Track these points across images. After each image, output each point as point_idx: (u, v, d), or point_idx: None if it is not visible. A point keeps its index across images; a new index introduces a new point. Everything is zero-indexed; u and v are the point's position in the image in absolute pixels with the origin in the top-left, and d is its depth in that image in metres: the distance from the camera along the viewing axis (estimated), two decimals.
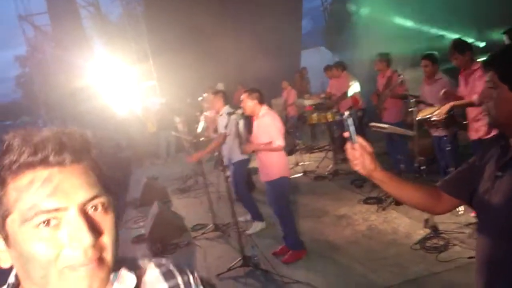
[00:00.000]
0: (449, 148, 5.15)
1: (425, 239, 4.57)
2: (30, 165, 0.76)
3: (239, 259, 4.73)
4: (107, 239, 0.80)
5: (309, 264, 4.69)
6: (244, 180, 6.17)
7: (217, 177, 8.66)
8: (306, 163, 8.52)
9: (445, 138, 5.22)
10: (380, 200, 5.87)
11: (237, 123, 5.03)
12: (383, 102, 6.59)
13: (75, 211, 0.76)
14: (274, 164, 4.76)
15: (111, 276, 0.84)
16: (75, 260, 0.75)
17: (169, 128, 11.68)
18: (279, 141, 4.66)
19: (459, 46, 4.91)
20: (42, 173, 0.76)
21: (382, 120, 6.43)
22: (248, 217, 6.09)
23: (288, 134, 7.81)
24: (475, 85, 4.61)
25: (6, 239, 0.78)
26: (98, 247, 0.78)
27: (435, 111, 5.02)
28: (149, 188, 8.15)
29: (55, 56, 18.63)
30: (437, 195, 1.71)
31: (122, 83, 15.54)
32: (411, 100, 5.09)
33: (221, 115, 5.82)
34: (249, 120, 5.18)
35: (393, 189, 1.67)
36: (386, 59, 6.63)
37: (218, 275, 4.70)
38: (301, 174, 8.15)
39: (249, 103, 4.84)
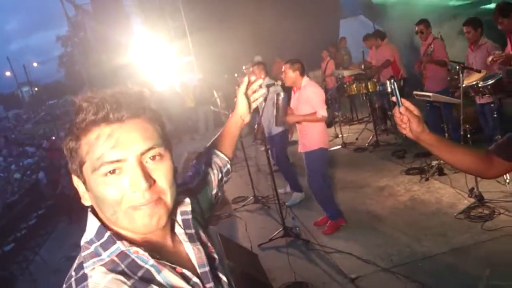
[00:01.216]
0: (495, 115, 4.97)
1: (469, 208, 4.47)
2: (95, 123, 0.91)
3: (280, 229, 4.79)
4: (163, 184, 0.95)
5: (350, 234, 4.69)
6: (284, 152, 6.20)
7: (256, 150, 8.75)
8: (345, 135, 8.42)
9: (492, 105, 5.04)
10: (423, 170, 5.76)
11: (277, 95, 5.01)
12: (424, 71, 6.39)
13: (133, 161, 0.91)
14: (315, 135, 4.73)
15: None
16: (135, 201, 0.91)
17: (208, 103, 11.76)
18: (323, 111, 4.61)
19: (504, 10, 4.75)
20: (105, 129, 0.91)
21: (424, 89, 6.26)
22: (288, 188, 6.13)
23: (327, 106, 7.72)
24: None
25: (84, 183, 0.96)
26: (155, 191, 0.93)
27: (481, 77, 4.84)
28: (190, 162, 8.27)
29: (96, 34, 19.00)
30: (489, 159, 1.64)
31: (161, 60, 15.71)
32: (456, 67, 4.92)
33: (260, 87, 5.79)
34: (289, 92, 5.14)
35: (443, 153, 1.62)
36: (426, 25, 6.39)
37: (259, 245, 4.78)
38: (341, 146, 8.07)
39: (290, 74, 4.79)
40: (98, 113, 0.90)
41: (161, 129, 0.99)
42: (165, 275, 0.95)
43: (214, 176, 1.51)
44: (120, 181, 0.91)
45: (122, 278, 0.91)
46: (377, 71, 7.97)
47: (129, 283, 0.91)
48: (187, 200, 1.11)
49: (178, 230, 1.07)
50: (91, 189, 0.94)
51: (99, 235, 0.96)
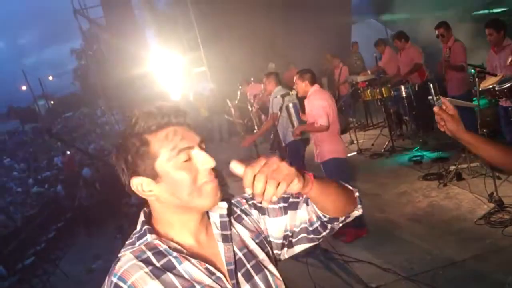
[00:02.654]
0: None
1: (489, 213, 4.41)
2: (161, 126, 1.13)
3: None
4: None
5: (369, 242, 4.66)
6: (300, 161, 6.18)
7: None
8: (360, 141, 8.39)
9: (509, 108, 4.98)
10: (441, 176, 5.70)
11: (289, 105, 5.03)
12: (445, 74, 6.33)
13: (198, 148, 1.15)
14: (324, 144, 4.71)
15: None
16: (206, 177, 1.13)
17: (222, 112, 11.81)
18: (321, 120, 4.56)
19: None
20: (170, 129, 1.13)
21: (446, 93, 6.19)
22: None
23: (341, 112, 7.68)
24: None
25: (155, 178, 1.12)
26: (213, 169, 1.15)
27: (498, 80, 4.78)
28: None
29: (110, 47, 19.24)
30: None
31: (175, 70, 15.83)
32: (472, 71, 4.88)
33: (275, 97, 5.83)
34: (301, 102, 5.15)
35: (483, 151, 1.62)
36: (446, 27, 6.30)
37: None
38: (356, 152, 8.03)
39: (300, 84, 4.82)
40: (164, 118, 1.13)
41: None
42: (186, 266, 1.11)
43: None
44: (192, 165, 1.13)
45: (141, 264, 1.10)
46: (407, 75, 7.59)
47: (146, 269, 1.09)
48: (224, 203, 1.24)
49: (215, 230, 1.23)
50: (168, 177, 1.12)
51: (140, 228, 1.16)
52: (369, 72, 7.72)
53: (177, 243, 1.15)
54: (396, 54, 8.17)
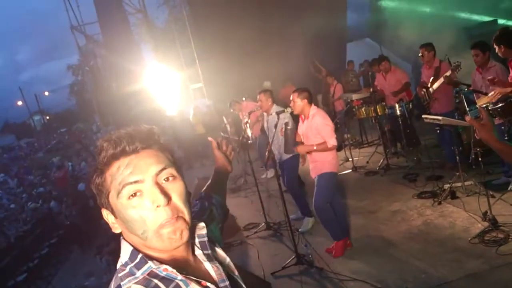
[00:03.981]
0: (506, 138, 4.95)
1: (483, 232, 4.41)
2: (114, 157, 1.07)
3: (292, 257, 4.76)
4: (178, 201, 1.08)
5: (364, 260, 4.64)
6: (296, 176, 6.21)
7: (266, 176, 8.76)
8: (355, 158, 8.42)
9: (502, 127, 5.03)
10: (435, 194, 5.72)
11: (285, 125, 5.05)
12: (432, 93, 6.40)
13: (150, 181, 1.06)
14: (326, 161, 4.78)
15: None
16: (160, 218, 1.04)
17: (217, 129, 11.83)
18: (332, 141, 4.67)
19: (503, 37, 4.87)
20: (124, 160, 1.07)
21: (431, 111, 6.28)
22: (299, 213, 6.12)
23: (336, 129, 7.72)
24: None
25: (112, 212, 1.09)
26: (173, 207, 1.06)
27: (490, 99, 4.84)
28: (201, 188, 8.26)
29: (107, 63, 19.30)
30: None
31: (172, 86, 15.89)
32: (465, 89, 4.94)
33: (271, 114, 5.86)
34: (297, 119, 5.19)
35: None
36: (431, 49, 6.45)
37: (273, 273, 4.75)
38: (351, 170, 8.05)
39: (298, 103, 4.87)
40: (116, 147, 1.07)
41: (171, 156, 1.15)
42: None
43: (218, 213, 1.65)
44: (142, 202, 1.05)
45: None
46: (397, 94, 7.60)
47: None
48: (202, 224, 1.22)
49: (197, 251, 1.19)
50: (119, 214, 1.07)
51: (132, 257, 1.09)
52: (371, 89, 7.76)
53: (173, 265, 1.09)
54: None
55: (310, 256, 4.75)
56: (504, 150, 1.73)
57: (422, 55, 6.51)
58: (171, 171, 1.10)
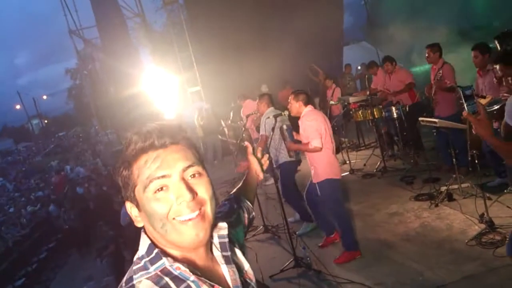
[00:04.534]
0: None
1: (480, 234, 4.43)
2: (143, 150, 1.08)
3: (291, 260, 4.77)
4: (204, 195, 1.09)
5: (362, 263, 4.66)
6: (291, 182, 6.16)
7: (264, 179, 8.76)
8: (353, 161, 8.44)
9: (498, 130, 5.05)
10: (432, 196, 5.74)
11: (283, 127, 5.08)
12: (433, 95, 6.41)
13: (177, 177, 1.06)
14: (318, 165, 4.75)
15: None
16: (181, 212, 1.05)
17: (215, 132, 11.84)
18: (315, 142, 4.61)
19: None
20: (152, 154, 1.07)
21: (434, 114, 6.28)
22: (297, 217, 6.13)
23: (333, 132, 7.72)
24: None
25: (137, 205, 1.10)
26: (198, 201, 1.07)
27: (487, 102, 4.87)
28: None
29: (105, 67, 19.32)
30: None
31: (169, 90, 15.89)
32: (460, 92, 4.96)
33: (267, 117, 5.88)
34: (295, 121, 5.21)
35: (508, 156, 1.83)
36: (437, 50, 6.38)
37: (271, 276, 4.76)
38: (349, 172, 8.07)
39: (294, 105, 4.89)
40: (145, 141, 1.07)
41: (197, 153, 1.15)
42: None
43: (245, 217, 1.66)
44: (167, 197, 1.05)
45: None
46: (398, 94, 7.64)
47: None
48: (224, 224, 1.21)
49: (216, 252, 1.18)
50: (143, 207, 1.08)
51: (149, 251, 1.09)
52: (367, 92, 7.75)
53: (187, 265, 1.08)
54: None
55: (308, 258, 4.76)
56: (500, 146, 1.76)
57: (427, 56, 6.47)
58: (198, 168, 1.10)
